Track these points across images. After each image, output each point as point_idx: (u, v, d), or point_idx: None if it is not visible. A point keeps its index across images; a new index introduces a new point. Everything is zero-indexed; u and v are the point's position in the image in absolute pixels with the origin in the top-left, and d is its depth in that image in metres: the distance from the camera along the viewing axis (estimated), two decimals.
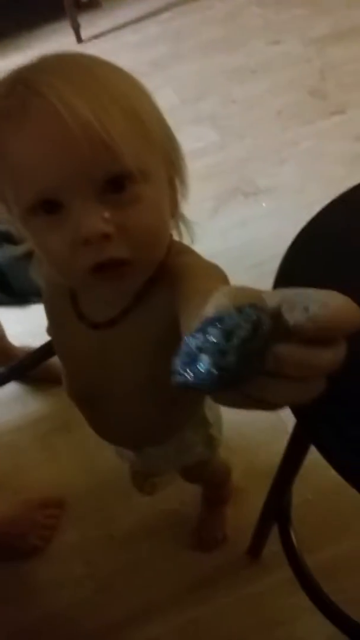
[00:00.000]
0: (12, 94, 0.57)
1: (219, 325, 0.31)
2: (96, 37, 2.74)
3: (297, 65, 2.30)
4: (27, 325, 1.69)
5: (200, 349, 0.31)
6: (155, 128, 0.60)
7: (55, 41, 2.79)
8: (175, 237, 0.70)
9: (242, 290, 0.36)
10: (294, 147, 1.98)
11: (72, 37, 2.73)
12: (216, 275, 0.63)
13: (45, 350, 1.33)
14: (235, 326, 0.30)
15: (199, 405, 0.89)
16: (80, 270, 0.59)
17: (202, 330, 0.31)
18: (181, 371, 0.31)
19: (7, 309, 1.72)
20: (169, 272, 0.66)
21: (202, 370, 0.30)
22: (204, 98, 2.25)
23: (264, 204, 1.82)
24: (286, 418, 0.67)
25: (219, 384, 0.30)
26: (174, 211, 0.67)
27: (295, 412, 0.63)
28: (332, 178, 1.77)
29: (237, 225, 1.77)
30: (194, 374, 0.31)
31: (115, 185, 0.56)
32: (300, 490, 1.12)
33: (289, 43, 2.41)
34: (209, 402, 0.90)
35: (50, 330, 0.83)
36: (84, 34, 2.74)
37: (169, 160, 0.63)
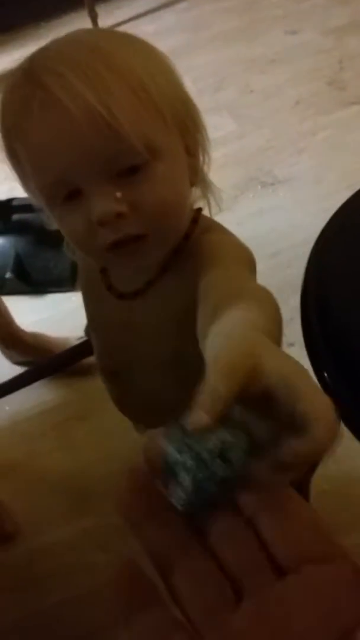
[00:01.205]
0: (22, 84, 0.59)
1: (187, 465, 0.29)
2: (113, 26, 2.73)
3: (316, 55, 2.28)
4: (43, 314, 1.70)
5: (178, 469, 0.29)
6: (168, 100, 0.61)
7: (73, 30, 2.78)
8: (202, 207, 0.71)
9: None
10: (312, 138, 1.96)
11: (90, 27, 2.73)
12: (246, 262, 0.65)
13: (76, 351, 1.32)
14: (205, 476, 0.29)
15: None
16: (99, 249, 0.63)
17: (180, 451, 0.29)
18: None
19: (24, 298, 1.73)
20: (196, 247, 0.67)
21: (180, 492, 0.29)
22: (222, 88, 2.24)
23: (281, 194, 1.81)
24: None
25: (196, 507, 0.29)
26: (196, 179, 0.68)
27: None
28: (350, 169, 1.76)
29: (254, 215, 1.76)
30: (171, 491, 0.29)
31: (126, 164, 0.58)
32: (317, 481, 1.11)
33: (308, 33, 2.39)
34: None
35: (84, 303, 0.85)
36: (101, 23, 2.73)
37: (187, 130, 0.64)
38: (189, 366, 0.74)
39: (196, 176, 0.68)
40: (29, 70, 0.59)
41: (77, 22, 2.82)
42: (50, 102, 0.56)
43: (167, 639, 0.26)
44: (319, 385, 0.54)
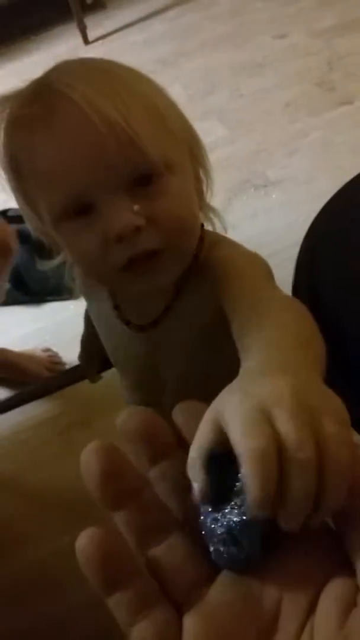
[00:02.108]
0: (38, 100, 0.59)
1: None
2: (103, 37, 2.76)
3: (304, 57, 2.30)
4: (40, 324, 1.71)
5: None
6: (176, 122, 0.63)
7: (63, 43, 2.81)
8: (208, 227, 0.72)
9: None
10: (303, 139, 1.98)
11: (79, 39, 2.76)
12: (260, 270, 0.64)
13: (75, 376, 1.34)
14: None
15: None
16: (114, 269, 0.61)
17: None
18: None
19: (22, 308, 1.74)
20: (208, 266, 0.67)
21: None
22: (212, 93, 2.26)
23: (274, 196, 1.82)
24: None
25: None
26: (201, 202, 0.69)
27: None
28: (342, 168, 1.77)
29: (248, 217, 1.77)
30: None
31: (143, 179, 0.58)
32: None
33: (296, 36, 2.41)
34: None
35: (103, 341, 0.84)
36: (91, 35, 2.76)
37: (191, 153, 0.65)
38: (221, 379, 0.75)
39: (201, 200, 0.69)
40: (44, 87, 0.59)
41: (67, 34, 2.85)
42: (73, 112, 0.56)
43: (147, 612, 0.25)
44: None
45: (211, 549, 0.27)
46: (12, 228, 1.02)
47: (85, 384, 1.48)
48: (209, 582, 0.27)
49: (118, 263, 0.60)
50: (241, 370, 0.39)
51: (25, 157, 0.60)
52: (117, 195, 0.58)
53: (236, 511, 0.26)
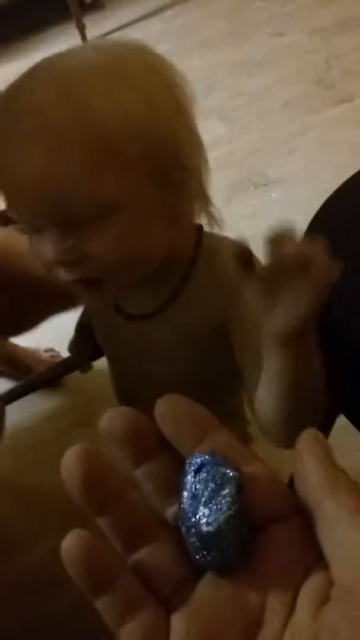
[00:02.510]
0: (9, 106, 0.60)
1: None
2: (101, 37, 2.75)
3: (303, 55, 2.30)
4: (44, 324, 1.71)
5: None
6: (150, 145, 0.59)
7: (61, 42, 2.80)
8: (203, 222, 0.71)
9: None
10: (302, 137, 1.98)
11: (78, 38, 2.75)
12: None
13: (66, 366, 1.34)
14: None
15: (236, 402, 0.87)
16: (65, 282, 0.63)
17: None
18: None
19: None
20: (206, 273, 0.68)
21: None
22: (211, 92, 2.26)
23: (274, 194, 1.82)
24: None
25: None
26: (201, 199, 0.67)
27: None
28: (341, 166, 1.75)
29: (248, 216, 1.77)
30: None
31: (77, 218, 0.59)
32: None
33: (294, 34, 2.41)
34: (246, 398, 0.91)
35: (95, 327, 0.85)
36: (89, 34, 2.75)
37: (179, 164, 0.62)
38: (205, 386, 0.76)
39: (201, 198, 0.67)
40: (16, 90, 0.60)
41: (65, 34, 2.84)
42: (22, 145, 0.58)
43: (135, 613, 0.26)
44: None
45: (190, 555, 0.27)
46: None
47: (87, 383, 1.49)
48: (196, 581, 0.27)
49: (66, 280, 0.63)
50: None
51: None
52: (53, 229, 0.59)
53: (204, 521, 0.27)
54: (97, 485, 0.27)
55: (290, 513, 0.26)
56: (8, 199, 0.62)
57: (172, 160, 0.62)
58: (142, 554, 0.27)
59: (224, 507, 0.26)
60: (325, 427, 0.90)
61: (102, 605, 0.26)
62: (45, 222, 0.60)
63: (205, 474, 0.27)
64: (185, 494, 0.27)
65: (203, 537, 0.26)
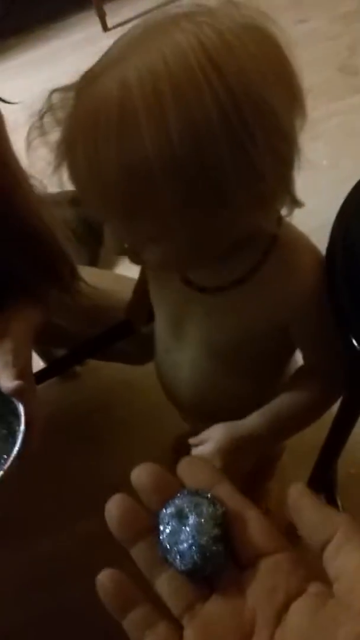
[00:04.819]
0: (80, 101, 0.55)
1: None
2: (121, 24, 2.73)
3: (325, 42, 2.27)
4: None
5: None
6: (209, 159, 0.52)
7: (81, 31, 2.80)
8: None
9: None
10: (325, 124, 1.95)
11: (98, 26, 2.74)
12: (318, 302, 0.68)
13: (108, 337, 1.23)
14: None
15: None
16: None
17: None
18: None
19: None
20: (276, 269, 0.67)
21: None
22: None
23: (297, 182, 1.80)
24: None
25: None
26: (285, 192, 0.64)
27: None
28: None
29: None
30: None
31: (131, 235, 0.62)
32: (343, 465, 1.11)
33: (316, 20, 2.38)
34: None
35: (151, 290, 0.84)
36: (110, 22, 2.74)
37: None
38: (243, 365, 0.76)
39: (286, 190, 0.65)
40: (88, 87, 0.54)
41: (86, 22, 2.84)
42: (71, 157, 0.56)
43: (153, 627, 0.33)
44: None
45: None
46: None
47: (108, 370, 1.48)
48: (205, 600, 0.34)
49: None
50: None
51: (68, 159, 0.58)
52: (116, 230, 0.62)
53: (178, 560, 0.34)
54: (128, 524, 0.35)
55: (278, 548, 0.33)
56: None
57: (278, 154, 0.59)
58: (162, 579, 0.35)
59: (194, 539, 0.34)
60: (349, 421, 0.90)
61: (127, 624, 0.34)
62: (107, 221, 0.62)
63: (174, 507, 0.35)
64: (160, 527, 0.35)
65: (175, 561, 0.34)
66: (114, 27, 2.73)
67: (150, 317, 0.95)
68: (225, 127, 0.50)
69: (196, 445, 0.76)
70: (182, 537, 0.34)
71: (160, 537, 0.34)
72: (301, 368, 0.77)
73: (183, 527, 0.34)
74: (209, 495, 0.35)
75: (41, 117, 0.56)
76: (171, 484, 0.35)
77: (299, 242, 0.69)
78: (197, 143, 0.49)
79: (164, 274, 0.75)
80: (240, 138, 0.51)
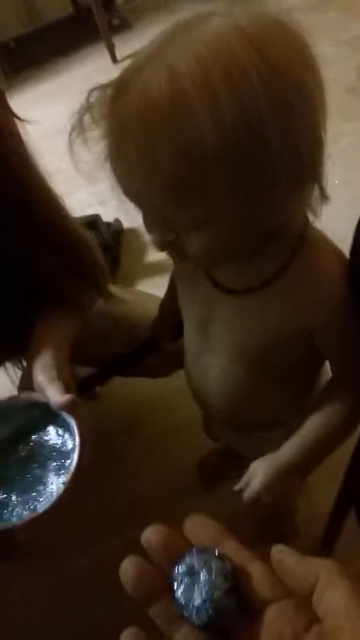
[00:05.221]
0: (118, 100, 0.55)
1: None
2: (130, 56, 2.79)
3: (333, 65, 2.30)
4: None
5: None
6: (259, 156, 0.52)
7: (91, 62, 2.86)
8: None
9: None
10: (336, 144, 1.97)
11: (108, 58, 2.80)
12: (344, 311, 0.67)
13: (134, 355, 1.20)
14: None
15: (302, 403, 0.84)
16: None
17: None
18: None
19: None
20: (302, 272, 0.66)
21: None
22: None
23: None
24: None
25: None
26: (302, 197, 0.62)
27: None
28: None
29: None
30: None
31: (175, 223, 0.60)
32: None
33: (323, 45, 2.42)
34: None
35: (180, 297, 0.83)
36: (119, 54, 2.80)
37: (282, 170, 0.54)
38: (270, 372, 0.75)
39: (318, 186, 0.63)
40: (123, 89, 0.54)
41: (95, 54, 2.90)
42: (130, 149, 0.55)
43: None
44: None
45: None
46: None
47: (128, 389, 1.48)
48: None
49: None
50: None
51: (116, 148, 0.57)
52: (158, 222, 0.61)
53: (195, 616, 0.36)
54: (143, 586, 0.37)
55: (282, 596, 0.36)
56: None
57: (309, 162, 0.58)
58: (180, 635, 0.37)
59: (209, 594, 0.35)
60: None
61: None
62: (147, 212, 0.61)
63: (186, 566, 0.37)
64: (175, 585, 0.37)
65: (193, 617, 0.36)
66: (123, 59, 2.79)
67: (175, 335, 0.95)
68: (272, 108, 0.51)
69: (242, 489, 0.75)
70: (196, 593, 0.36)
71: (176, 595, 0.36)
72: (330, 382, 0.76)
73: (196, 584, 0.36)
74: (216, 552, 0.37)
75: (81, 117, 0.56)
76: (179, 544, 0.38)
77: (325, 243, 0.69)
78: (248, 124, 0.50)
79: (194, 278, 0.74)
80: (284, 119, 0.52)
